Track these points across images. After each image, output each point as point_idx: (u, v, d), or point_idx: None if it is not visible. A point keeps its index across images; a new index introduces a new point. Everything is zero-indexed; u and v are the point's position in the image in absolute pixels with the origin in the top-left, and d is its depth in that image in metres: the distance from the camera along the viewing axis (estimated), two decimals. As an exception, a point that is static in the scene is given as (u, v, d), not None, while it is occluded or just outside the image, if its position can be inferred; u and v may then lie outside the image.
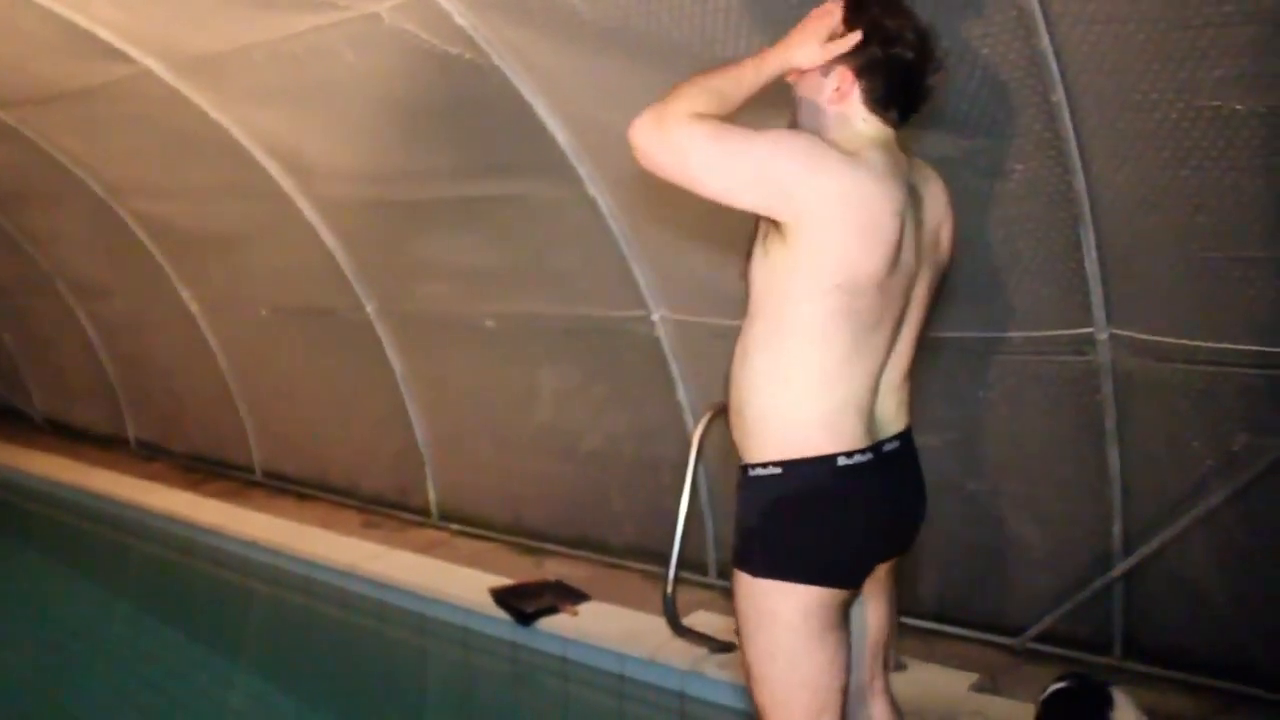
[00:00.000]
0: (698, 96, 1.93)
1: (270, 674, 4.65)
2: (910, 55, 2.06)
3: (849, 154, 1.94)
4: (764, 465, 2.06)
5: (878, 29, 2.05)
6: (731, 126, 1.91)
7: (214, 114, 4.83)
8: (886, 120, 2.09)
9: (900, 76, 2.06)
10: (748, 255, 2.08)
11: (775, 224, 1.95)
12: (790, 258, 1.94)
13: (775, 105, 2.18)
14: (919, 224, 2.07)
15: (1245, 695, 3.27)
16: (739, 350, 2.09)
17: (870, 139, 2.05)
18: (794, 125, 2.13)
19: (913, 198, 2.04)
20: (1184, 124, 2.70)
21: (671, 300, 4.13)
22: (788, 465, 2.03)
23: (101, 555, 6.50)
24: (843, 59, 2.05)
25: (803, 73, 2.11)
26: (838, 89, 2.06)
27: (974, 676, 3.51)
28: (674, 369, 4.24)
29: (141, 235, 6.30)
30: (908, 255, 2.01)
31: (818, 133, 2.04)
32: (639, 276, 4.12)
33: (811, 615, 2.04)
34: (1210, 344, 3.00)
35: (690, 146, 1.89)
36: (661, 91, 1.94)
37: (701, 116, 1.90)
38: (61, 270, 7.50)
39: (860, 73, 2.05)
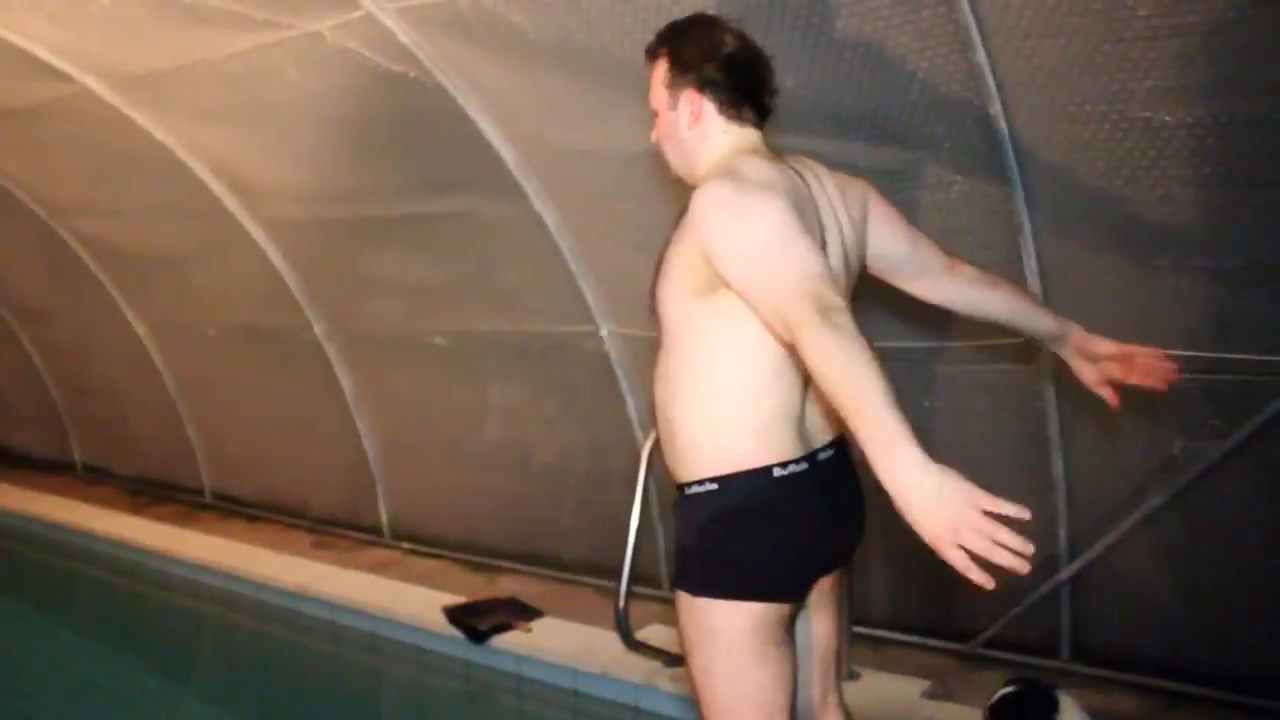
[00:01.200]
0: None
1: (222, 698, 4.58)
2: (740, 53, 2.14)
3: (742, 169, 1.98)
4: (700, 482, 2.05)
5: (701, 45, 2.13)
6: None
7: (157, 133, 4.79)
8: (745, 122, 2.15)
9: (739, 75, 2.13)
10: (653, 288, 2.07)
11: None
12: (728, 296, 1.93)
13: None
14: (833, 209, 2.11)
15: (1187, 694, 3.33)
16: (660, 376, 2.08)
17: (737, 147, 2.11)
18: (667, 170, 2.23)
19: (809, 185, 2.09)
20: (1117, 135, 2.76)
21: (619, 315, 4.14)
22: (723, 480, 2.02)
23: (48, 582, 6.38)
24: (682, 83, 2.13)
25: (658, 117, 2.19)
26: (691, 112, 2.13)
27: (926, 683, 3.53)
28: (623, 384, 4.25)
29: (85, 256, 6.22)
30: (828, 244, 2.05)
31: (687, 160, 2.16)
32: (587, 292, 4.13)
33: (752, 632, 2.03)
34: (1147, 350, 3.06)
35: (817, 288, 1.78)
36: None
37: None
38: (3, 293, 7.38)
39: (703, 88, 2.12)
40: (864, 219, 2.25)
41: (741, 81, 2.14)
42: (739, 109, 2.14)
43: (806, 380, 2.06)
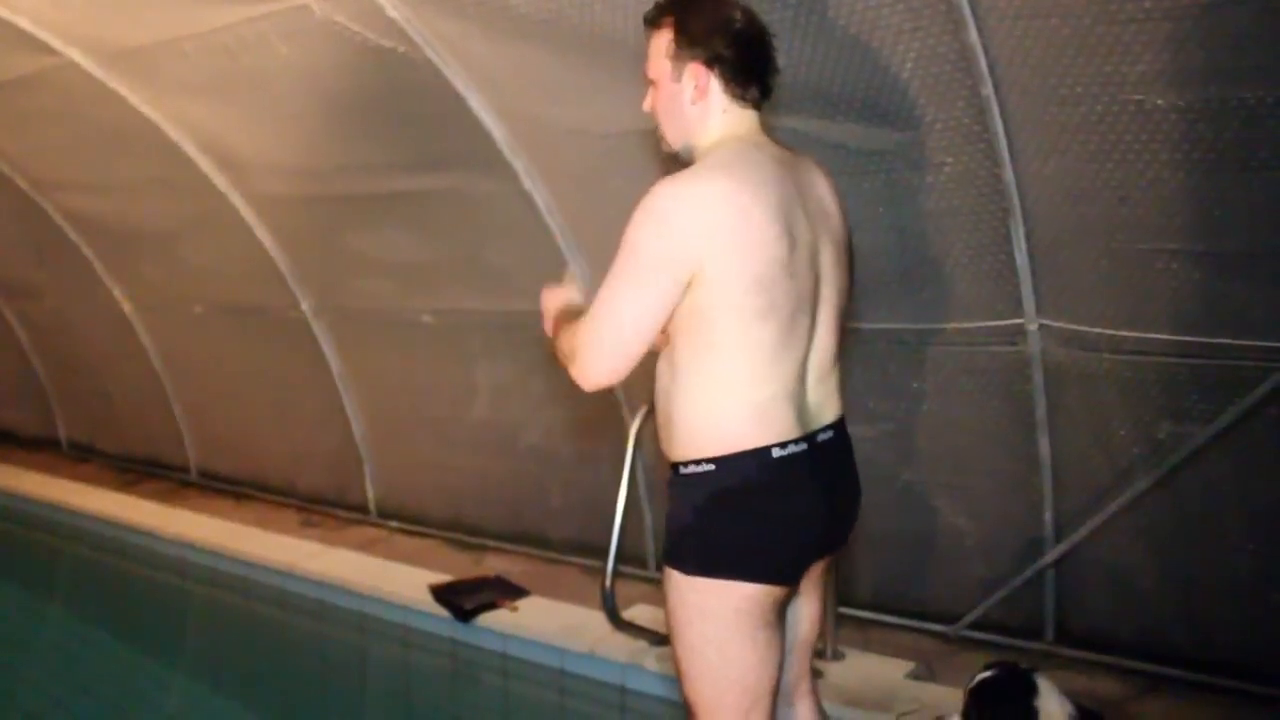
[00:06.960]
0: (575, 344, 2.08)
1: (208, 676, 4.59)
2: (749, 29, 2.11)
3: (694, 174, 2.01)
4: (696, 462, 2.04)
5: (711, 19, 2.10)
6: (594, 315, 2.02)
7: (143, 108, 4.75)
8: (747, 102, 2.13)
9: (748, 53, 2.11)
10: None
11: None
12: (701, 290, 1.95)
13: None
14: (800, 193, 2.07)
15: (1168, 677, 3.35)
16: (665, 367, 2.07)
17: (729, 130, 2.10)
18: (661, 143, 2.21)
19: (784, 169, 2.06)
20: (1108, 118, 2.75)
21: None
22: (721, 461, 2.02)
23: (32, 559, 6.36)
24: (689, 56, 2.10)
25: (654, 88, 2.17)
26: (696, 86, 2.10)
27: (910, 664, 3.55)
28: (612, 363, 4.24)
29: (70, 232, 6.17)
30: (800, 226, 2.02)
31: (685, 135, 2.14)
32: (576, 271, 4.11)
33: (744, 613, 2.03)
34: (1134, 334, 3.06)
35: (603, 356, 2.02)
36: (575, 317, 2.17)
37: (585, 346, 2.03)
38: (-14, 269, 7.33)
39: (711, 64, 2.09)
40: (841, 238, 2.21)
41: (749, 59, 2.11)
42: (744, 88, 2.11)
43: (805, 357, 2.06)
